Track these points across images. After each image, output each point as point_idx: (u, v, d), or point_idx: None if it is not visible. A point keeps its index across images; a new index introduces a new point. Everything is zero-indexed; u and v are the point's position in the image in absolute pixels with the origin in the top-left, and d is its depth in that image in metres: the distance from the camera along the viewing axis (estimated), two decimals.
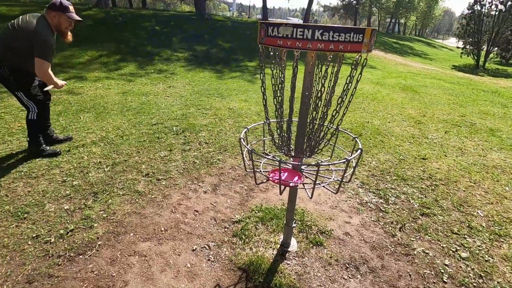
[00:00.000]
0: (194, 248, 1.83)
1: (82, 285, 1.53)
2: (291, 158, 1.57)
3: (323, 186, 1.48)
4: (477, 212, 2.37)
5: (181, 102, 4.77)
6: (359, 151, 1.42)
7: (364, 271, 1.74)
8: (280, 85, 1.45)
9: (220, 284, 1.60)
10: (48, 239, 1.80)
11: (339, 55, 1.30)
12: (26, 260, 1.64)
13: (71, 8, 2.46)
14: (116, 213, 2.07)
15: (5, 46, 2.37)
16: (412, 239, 2.03)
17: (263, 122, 1.74)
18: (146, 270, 1.65)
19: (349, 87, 1.35)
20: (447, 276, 1.75)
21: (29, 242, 1.76)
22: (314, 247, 1.89)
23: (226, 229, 2.00)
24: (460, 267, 1.82)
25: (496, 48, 15.16)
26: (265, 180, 1.59)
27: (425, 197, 2.54)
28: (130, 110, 4.19)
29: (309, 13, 20.19)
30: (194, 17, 14.61)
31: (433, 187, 2.69)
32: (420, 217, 2.27)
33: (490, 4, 13.53)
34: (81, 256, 1.70)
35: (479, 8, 13.74)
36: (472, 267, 1.82)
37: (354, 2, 33.63)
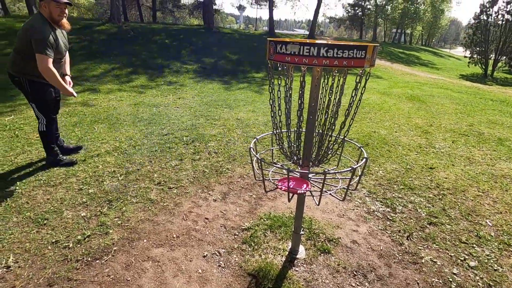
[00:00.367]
0: (205, 254, 1.89)
1: None
2: (299, 167, 1.64)
3: (330, 194, 1.54)
4: (486, 222, 2.37)
5: (191, 113, 4.91)
6: (364, 160, 1.48)
7: (371, 279, 1.77)
8: (288, 98, 1.53)
9: None
10: (66, 244, 1.88)
11: (343, 69, 1.38)
12: (47, 264, 1.73)
13: None
14: (130, 220, 2.15)
15: (14, 52, 2.52)
16: (419, 247, 2.05)
17: (271, 132, 1.82)
18: (159, 275, 1.71)
19: (354, 100, 1.42)
20: (455, 284, 1.76)
21: (49, 247, 1.85)
22: (322, 254, 1.93)
23: (235, 236, 2.06)
24: (469, 276, 1.83)
25: (504, 57, 15.08)
26: (273, 188, 1.66)
27: (433, 206, 2.55)
28: (141, 121, 4.33)
29: (315, 25, 20.51)
30: (202, 30, 15.03)
31: (440, 196, 2.70)
32: (428, 226, 2.29)
33: (497, 14, 13.57)
34: (97, 261, 1.78)
35: (485, 18, 13.78)
36: (480, 276, 1.83)
37: (360, 13, 34.05)
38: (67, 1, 2.51)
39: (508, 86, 11.34)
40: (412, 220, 2.34)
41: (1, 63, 7.23)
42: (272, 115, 1.59)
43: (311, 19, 20.60)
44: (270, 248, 1.95)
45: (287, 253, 1.91)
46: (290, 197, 1.51)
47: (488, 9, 13.58)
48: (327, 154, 1.56)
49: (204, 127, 4.21)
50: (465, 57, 17.78)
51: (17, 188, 2.45)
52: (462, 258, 1.96)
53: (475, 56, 14.54)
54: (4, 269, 1.67)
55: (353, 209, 2.46)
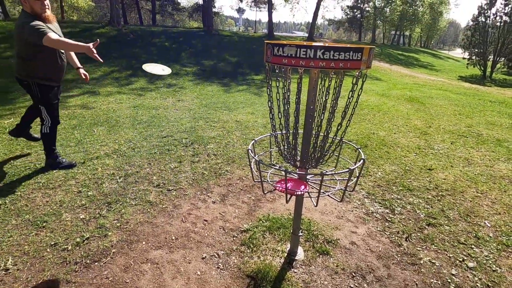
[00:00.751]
0: (204, 256, 1.89)
1: None
2: (297, 169, 1.65)
3: (328, 195, 1.55)
4: (484, 223, 2.37)
5: (190, 115, 4.92)
6: (362, 161, 1.49)
7: (370, 280, 1.77)
8: (285, 99, 1.54)
9: None
10: (65, 246, 1.88)
11: (340, 71, 1.39)
12: (45, 267, 1.73)
13: None
14: (129, 222, 2.16)
15: (16, 56, 2.54)
16: (418, 248, 2.05)
17: (269, 134, 1.82)
18: (158, 277, 1.71)
19: (351, 101, 1.43)
20: (454, 285, 1.76)
21: (48, 250, 1.85)
22: (320, 256, 1.93)
23: (234, 238, 2.06)
24: (467, 276, 1.83)
25: (502, 59, 15.13)
26: (272, 190, 1.66)
27: (431, 207, 2.55)
28: (141, 123, 4.34)
29: (314, 27, 20.60)
30: (202, 32, 15.09)
31: (439, 198, 2.71)
32: (427, 227, 2.29)
33: (495, 16, 13.64)
34: (96, 263, 1.78)
35: (483, 20, 13.85)
36: (479, 277, 1.83)
37: (359, 15, 34.20)
38: None
39: (507, 87, 11.37)
40: (411, 221, 2.34)
41: (1, 66, 7.26)
42: (271, 116, 1.61)
43: (310, 21, 20.69)
44: (268, 249, 1.96)
45: (285, 254, 1.91)
46: (288, 199, 1.51)
47: (486, 11, 13.66)
48: (324, 155, 1.56)
49: (203, 129, 4.21)
50: (464, 58, 17.86)
51: (16, 190, 2.45)
52: (461, 259, 1.96)
53: (473, 57, 14.60)
54: (3, 272, 1.67)
55: (352, 211, 2.46)
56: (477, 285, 1.77)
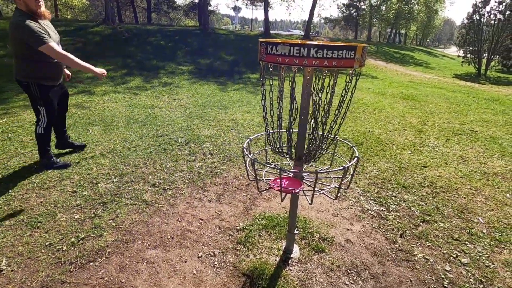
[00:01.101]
0: (199, 255, 1.89)
1: None
2: (292, 167, 1.65)
3: (323, 193, 1.55)
4: (478, 219, 2.40)
5: (186, 114, 4.90)
6: (356, 159, 1.49)
7: (365, 277, 1.78)
8: (279, 98, 1.54)
9: None
10: (60, 247, 1.87)
11: (334, 70, 1.40)
12: (40, 267, 1.72)
13: None
14: (125, 222, 2.15)
15: (14, 57, 2.51)
16: (413, 245, 2.07)
17: (264, 132, 1.83)
18: (153, 277, 1.71)
19: (344, 99, 1.44)
20: (447, 281, 1.78)
21: (42, 250, 1.84)
22: (316, 253, 1.94)
23: (230, 237, 2.07)
24: (461, 272, 1.85)
25: (497, 56, 15.25)
26: (267, 188, 1.67)
27: (426, 204, 2.58)
28: (136, 122, 4.32)
29: (310, 25, 20.60)
30: (197, 31, 15.01)
31: (433, 195, 2.73)
32: (421, 224, 2.31)
33: (489, 14, 13.73)
34: (91, 263, 1.77)
35: (478, 18, 13.94)
36: (472, 272, 1.85)
37: (355, 14, 34.25)
38: None
39: (501, 85, 11.48)
40: (405, 218, 2.36)
41: None
42: (264, 115, 1.61)
43: (306, 19, 20.68)
44: (264, 248, 1.96)
45: (281, 252, 1.92)
46: (283, 197, 1.52)
47: (480, 9, 13.74)
48: (318, 151, 1.57)
49: (199, 128, 4.20)
50: (459, 56, 17.97)
51: (10, 191, 2.43)
52: (455, 255, 1.99)
53: (468, 55, 14.69)
54: None
55: (347, 208, 2.47)
56: (470, 281, 1.79)
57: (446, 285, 1.75)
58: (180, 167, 3.02)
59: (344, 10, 35.34)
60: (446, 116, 5.50)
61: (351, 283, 1.74)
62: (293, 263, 1.84)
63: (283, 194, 1.51)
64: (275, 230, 2.13)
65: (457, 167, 3.34)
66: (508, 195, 2.78)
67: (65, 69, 2.87)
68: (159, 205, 2.37)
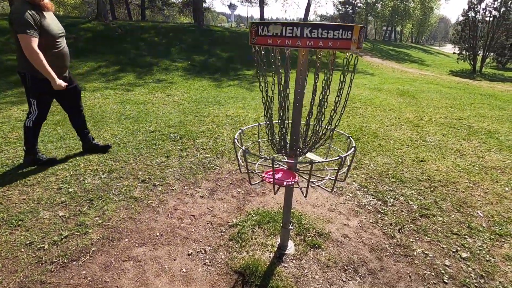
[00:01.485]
0: (190, 252, 1.80)
1: None
2: (286, 157, 1.57)
3: (318, 185, 1.47)
4: (477, 213, 2.34)
5: (179, 110, 4.79)
6: (353, 149, 1.41)
7: (363, 273, 1.71)
8: (281, 86, 1.45)
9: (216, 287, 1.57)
10: (41, 246, 1.77)
11: (330, 53, 1.31)
12: (18, 267, 1.61)
13: None
14: (112, 219, 2.05)
15: (16, 47, 2.39)
16: (411, 240, 2.00)
17: (257, 124, 1.74)
18: (140, 276, 1.62)
19: (341, 92, 1.36)
20: (447, 276, 1.71)
21: (22, 249, 1.74)
22: (311, 249, 1.86)
23: (222, 233, 1.98)
24: (461, 267, 1.79)
25: (492, 53, 15.31)
26: (259, 181, 1.58)
27: (424, 198, 2.51)
28: (128, 118, 4.20)
29: None
30: (192, 28, 14.83)
31: (432, 189, 2.67)
32: (419, 218, 2.24)
33: (484, 11, 13.76)
34: (74, 263, 1.67)
35: (473, 15, 13.96)
36: (473, 267, 1.79)
37: (351, 11, 34.24)
38: None
39: (496, 81, 11.51)
40: (403, 213, 2.30)
41: None
42: (264, 101, 1.50)
43: (302, 17, 20.59)
44: (258, 244, 1.88)
45: (275, 249, 1.84)
46: (276, 189, 1.43)
47: (476, 6, 13.77)
48: (313, 142, 1.49)
49: (192, 124, 4.10)
50: (454, 53, 18.04)
51: None
52: (454, 250, 1.92)
53: (464, 52, 14.73)
54: None
55: (344, 203, 2.40)
56: (471, 276, 1.72)
57: (446, 280, 1.68)
58: (172, 163, 2.92)
59: (340, 8, 35.34)
60: (443, 111, 5.46)
61: (348, 279, 1.66)
62: (288, 260, 1.76)
63: (276, 187, 1.43)
64: (269, 226, 2.04)
65: (454, 161, 3.28)
66: (507, 188, 2.73)
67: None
68: (149, 202, 2.28)
